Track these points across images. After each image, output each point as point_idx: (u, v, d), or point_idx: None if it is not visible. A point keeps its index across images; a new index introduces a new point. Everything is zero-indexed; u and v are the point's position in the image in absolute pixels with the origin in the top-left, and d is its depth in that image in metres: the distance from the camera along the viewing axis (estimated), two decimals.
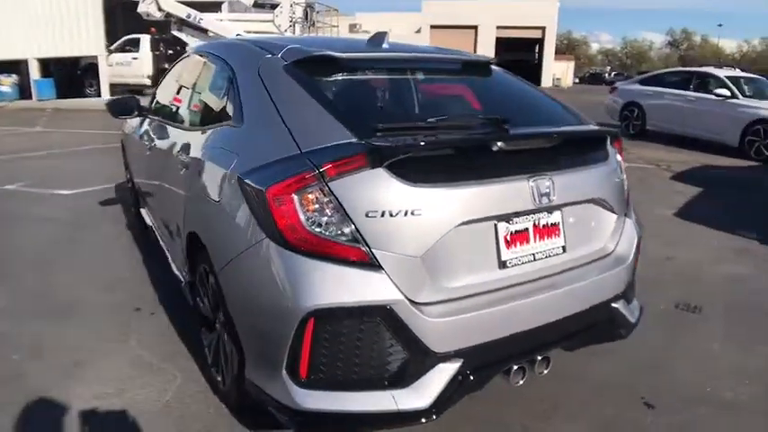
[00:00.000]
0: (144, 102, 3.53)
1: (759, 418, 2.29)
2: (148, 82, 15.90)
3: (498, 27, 38.73)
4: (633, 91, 10.78)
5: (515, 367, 1.85)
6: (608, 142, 2.21)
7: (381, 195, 1.60)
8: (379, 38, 2.33)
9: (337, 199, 1.59)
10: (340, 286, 1.58)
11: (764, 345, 2.87)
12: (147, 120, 3.48)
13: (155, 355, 2.58)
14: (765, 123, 8.18)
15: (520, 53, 39.78)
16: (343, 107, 1.86)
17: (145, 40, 15.96)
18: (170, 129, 2.79)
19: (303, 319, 1.57)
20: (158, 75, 15.64)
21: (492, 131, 1.85)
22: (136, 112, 3.59)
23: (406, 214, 1.61)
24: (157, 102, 3.37)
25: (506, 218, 1.82)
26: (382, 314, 1.59)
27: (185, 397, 2.27)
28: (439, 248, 1.67)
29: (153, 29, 15.77)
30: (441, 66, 2.40)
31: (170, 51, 15.87)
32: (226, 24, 14.97)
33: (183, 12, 14.52)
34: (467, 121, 1.88)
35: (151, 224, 3.56)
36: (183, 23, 14.82)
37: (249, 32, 14.45)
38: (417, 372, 1.65)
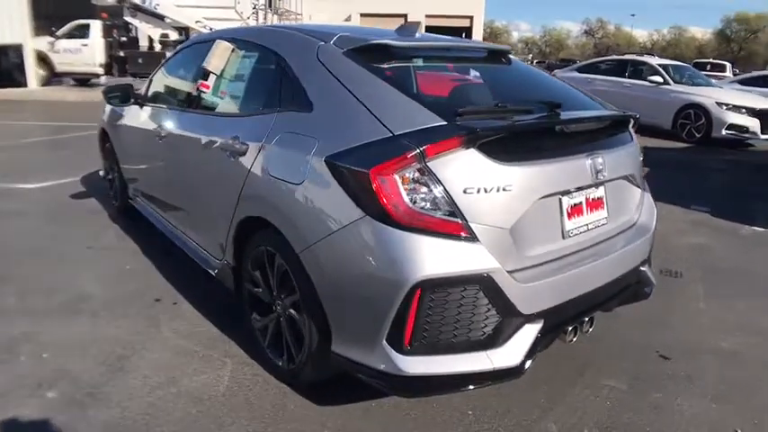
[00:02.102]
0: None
1: (755, 362, 2.65)
2: (100, 70, 14.76)
3: (427, 15, 39.19)
4: (572, 78, 11.43)
5: (571, 326, 2.05)
6: (631, 125, 2.44)
7: (476, 173, 1.74)
8: (411, 27, 2.43)
9: (436, 177, 1.70)
10: (443, 258, 1.69)
11: (738, 300, 3.28)
12: (149, 108, 3.37)
13: (195, 343, 2.56)
14: (696, 107, 8.99)
15: None
16: (417, 92, 1.96)
17: (95, 25, 14.72)
18: (196, 116, 2.75)
19: (410, 290, 1.67)
20: (111, 63, 14.60)
21: (550, 114, 2.02)
22: (132, 100, 3.48)
23: (498, 190, 1.75)
24: (166, 89, 3.27)
25: (568, 192, 2.00)
26: (482, 282, 1.73)
27: (244, 380, 2.29)
28: (522, 220, 1.83)
29: (104, 14, 14.69)
30: (476, 54, 2.53)
31: (123, 38, 14.84)
32: (184, 10, 14.22)
33: None
34: (528, 105, 2.04)
35: (155, 214, 3.46)
36: (138, 9, 13.94)
37: (209, 19, 13.92)
38: (508, 333, 1.81)
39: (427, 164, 1.70)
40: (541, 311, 1.87)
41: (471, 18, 40.52)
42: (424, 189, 1.71)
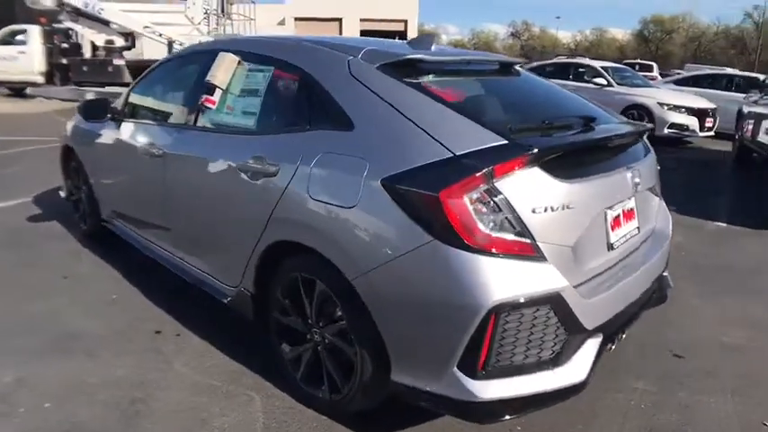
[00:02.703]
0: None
1: (760, 355, 2.80)
2: (40, 79, 13.61)
3: (362, 19, 39.40)
4: None
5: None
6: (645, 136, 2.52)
7: (541, 192, 1.72)
8: (426, 40, 2.38)
9: (505, 198, 1.67)
10: (516, 280, 1.66)
11: (726, 296, 3.48)
12: (131, 124, 3.13)
13: (213, 378, 2.39)
14: (639, 108, 9.48)
15: None
16: (463, 108, 1.91)
17: (34, 31, 13.51)
18: (199, 134, 2.56)
19: (486, 315, 1.62)
20: (53, 71, 13.53)
21: (587, 128, 2.04)
22: (109, 116, 3.24)
23: (562, 208, 1.75)
24: (153, 104, 3.04)
25: (611, 205, 2.01)
26: (552, 301, 1.71)
27: (279, 416, 2.15)
28: (581, 237, 1.82)
29: (43, 19, 13.55)
30: (492, 66, 2.51)
31: (64, 45, 13.75)
32: (131, 15, 13.36)
33: (79, 0, 12.67)
34: (569, 120, 2.05)
35: (140, 238, 3.21)
36: (79, 13, 12.96)
37: (158, 24, 13.18)
38: (574, 349, 1.81)
39: (495, 184, 1.66)
40: (600, 325, 1.88)
41: (405, 22, 41.08)
42: (494, 210, 1.67)
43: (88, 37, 13.60)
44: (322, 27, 36.78)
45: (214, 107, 2.49)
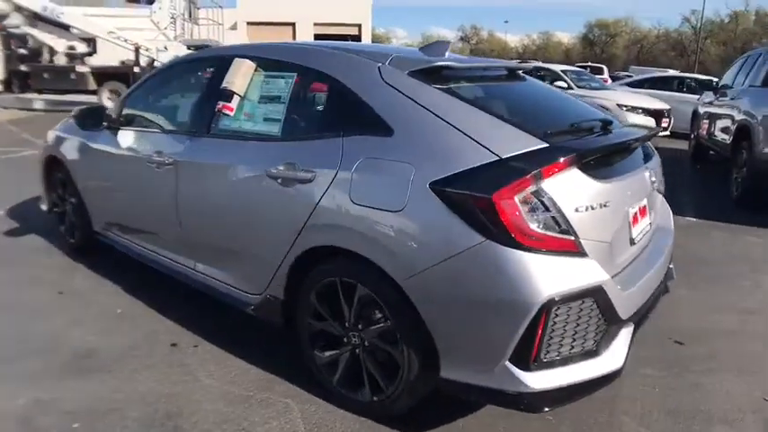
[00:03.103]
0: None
1: (754, 337, 3.01)
2: None
3: (316, 24, 39.30)
4: None
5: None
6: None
7: (582, 192, 1.83)
8: (441, 46, 2.45)
9: (551, 198, 1.76)
10: (564, 275, 1.75)
11: (710, 286, 3.73)
12: (131, 132, 3.05)
13: (243, 387, 2.37)
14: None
15: None
16: (498, 113, 1.99)
17: None
18: (216, 141, 2.53)
19: (540, 309, 1.70)
20: (11, 78, 12.93)
21: (606, 131, 2.16)
22: (105, 124, 3.16)
23: (600, 206, 1.86)
24: (157, 111, 2.98)
25: (633, 203, 2.14)
26: (596, 294, 1.81)
27: (320, 421, 2.16)
28: (615, 233, 1.93)
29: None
30: (502, 72, 2.60)
31: (22, 51, 13.08)
32: (93, 20, 12.77)
33: (37, 4, 12.05)
34: (591, 124, 2.17)
35: (142, 250, 3.13)
36: (38, 18, 12.34)
37: (123, 29, 12.67)
38: (611, 338, 1.92)
39: (542, 185, 1.75)
40: (631, 315, 1.99)
41: (360, 26, 41.26)
42: (542, 210, 1.75)
43: (47, 42, 12.99)
44: (275, 31, 36.40)
45: (232, 114, 2.47)
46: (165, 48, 13.25)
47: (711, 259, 4.33)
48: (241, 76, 2.44)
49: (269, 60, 2.49)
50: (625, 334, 1.98)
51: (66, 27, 12.81)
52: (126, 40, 12.85)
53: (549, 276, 1.73)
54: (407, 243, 1.86)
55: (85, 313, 3.02)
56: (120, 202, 3.23)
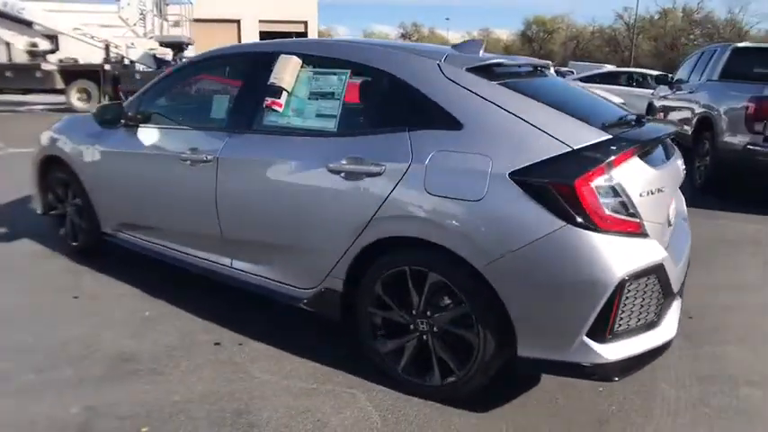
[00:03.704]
0: None
1: (750, 310, 3.31)
2: None
3: (261, 21, 38.59)
4: None
5: None
6: None
7: (643, 178, 1.99)
8: (475, 44, 2.55)
9: (621, 185, 1.90)
10: (634, 254, 1.89)
11: (701, 268, 3.88)
12: (155, 130, 2.97)
13: (303, 380, 2.38)
14: None
15: None
16: (557, 106, 2.11)
17: None
18: (265, 138, 2.52)
19: (617, 286, 1.84)
20: None
21: (641, 124, 2.33)
22: (123, 121, 3.07)
23: (657, 191, 2.03)
24: (186, 108, 2.91)
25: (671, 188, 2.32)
26: (658, 270, 1.96)
27: (390, 407, 2.21)
28: (664, 215, 2.10)
29: None
30: (539, 69, 2.72)
31: None
32: (56, 16, 12.07)
33: None
34: (629, 118, 2.33)
35: (166, 250, 3.06)
36: None
37: (89, 25, 11.95)
38: (666, 310, 2.09)
39: (613, 173, 1.89)
40: (679, 289, 2.16)
41: (306, 23, 40.86)
42: (613, 195, 1.89)
43: (7, 39, 12.14)
44: (221, 28, 35.48)
45: (281, 110, 2.46)
46: (133, 44, 12.76)
47: (694, 245, 4.65)
48: (289, 73, 2.44)
49: (319, 57, 2.50)
50: (675, 306, 2.16)
51: (28, 23, 12.08)
52: (93, 37, 12.28)
53: (622, 256, 1.87)
54: (488, 230, 1.94)
55: (110, 317, 2.92)
56: (140, 201, 3.13)
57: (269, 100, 2.47)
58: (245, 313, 2.96)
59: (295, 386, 2.34)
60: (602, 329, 1.90)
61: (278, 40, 2.80)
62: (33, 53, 12.42)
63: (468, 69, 2.21)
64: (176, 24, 15.31)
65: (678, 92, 7.33)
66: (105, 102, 12.94)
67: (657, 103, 8.39)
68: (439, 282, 2.10)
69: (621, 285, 1.86)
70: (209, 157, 2.64)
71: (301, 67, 2.49)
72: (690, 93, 6.71)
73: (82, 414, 2.14)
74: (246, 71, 2.71)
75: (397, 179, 2.10)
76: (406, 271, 2.16)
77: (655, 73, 12.29)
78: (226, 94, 2.81)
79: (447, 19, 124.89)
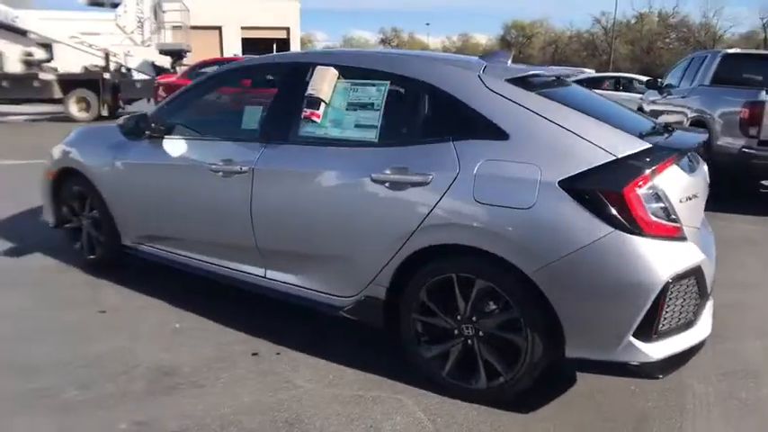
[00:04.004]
0: None
1: (756, 307, 3.44)
2: None
3: (243, 27, 38.44)
4: None
5: None
6: None
7: (681, 184, 2.09)
8: (504, 54, 2.63)
9: (663, 191, 1.99)
10: (676, 257, 1.99)
11: None
12: (183, 141, 2.97)
13: (348, 388, 2.41)
14: None
15: (267, 53, 40.23)
16: (596, 116, 2.19)
17: None
18: (302, 148, 2.55)
19: (663, 288, 1.92)
20: None
21: (670, 133, 2.42)
22: (148, 133, 3.08)
23: (693, 197, 2.14)
24: (213, 119, 2.92)
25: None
26: (697, 272, 2.06)
27: (438, 411, 2.25)
28: (700, 219, 2.21)
29: None
30: (559, 79, 2.80)
31: None
32: (53, 24, 11.90)
33: None
34: (660, 127, 2.42)
35: (193, 261, 3.07)
36: None
37: (86, 34, 11.75)
38: (702, 309, 2.18)
39: (656, 181, 1.98)
40: (710, 290, 2.25)
41: (288, 29, 40.81)
42: (656, 201, 1.98)
43: (0, 49, 11.89)
44: (202, 35, 35.16)
45: (319, 121, 2.50)
46: (130, 52, 12.64)
47: None
48: (327, 84, 2.48)
49: (357, 68, 2.54)
50: (709, 306, 2.26)
51: (22, 32, 11.87)
52: (91, 45, 12.11)
53: (666, 260, 1.96)
54: (538, 237, 2.01)
55: (140, 330, 2.91)
56: (165, 213, 3.13)
57: (307, 111, 2.50)
58: (279, 323, 2.97)
59: (341, 394, 2.37)
60: (648, 330, 1.98)
61: (313, 51, 2.86)
62: (28, 62, 12.21)
63: (507, 80, 2.28)
64: (177, 28, 15.23)
65: (669, 96, 7.53)
66: (105, 111, 12.80)
67: (647, 108, 8.59)
68: (486, 288, 2.15)
69: (666, 287, 1.94)
70: (243, 168, 2.66)
71: (338, 78, 2.53)
72: (682, 98, 6.89)
73: (132, 429, 2.14)
74: (280, 82, 2.74)
75: (444, 188, 2.15)
76: (453, 278, 2.21)
77: (642, 78, 12.55)
78: (257, 105, 2.83)
79: (427, 24, 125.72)
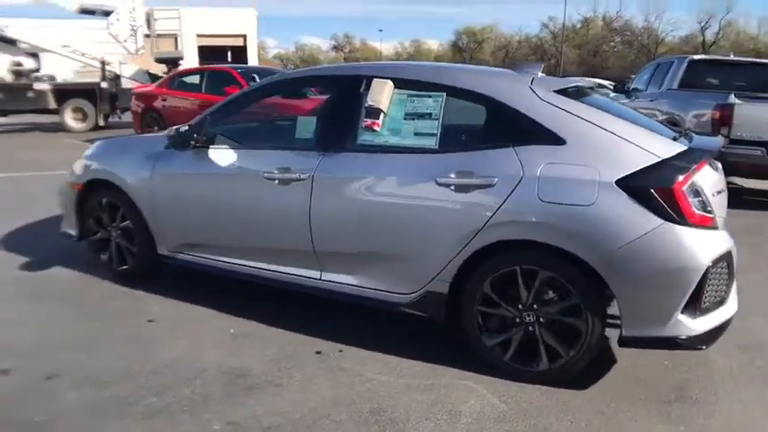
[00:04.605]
0: None
1: (755, 290, 3.84)
2: None
3: (198, 35, 37.75)
4: None
5: None
6: None
7: (712, 181, 2.40)
8: (536, 66, 2.89)
9: (701, 186, 2.29)
10: (713, 244, 2.30)
11: None
12: (232, 151, 3.08)
13: (418, 379, 2.58)
14: None
15: (224, 61, 39.68)
16: (633, 122, 2.47)
17: None
18: (363, 156, 2.73)
19: (706, 270, 2.23)
20: None
21: (690, 135, 2.74)
22: (192, 143, 3.17)
23: (721, 192, 2.47)
24: (264, 130, 3.05)
25: None
26: (728, 256, 2.37)
27: (507, 393, 2.46)
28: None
29: None
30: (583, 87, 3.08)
31: None
32: (43, 33, 11.40)
33: None
34: (681, 132, 2.73)
35: (238, 267, 3.18)
36: None
37: (77, 43, 11.29)
38: (730, 289, 2.48)
39: (695, 178, 2.28)
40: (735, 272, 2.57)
41: (245, 37, 40.34)
42: (695, 196, 2.28)
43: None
44: (158, 43, 34.42)
45: (379, 129, 2.67)
46: (123, 62, 12.35)
47: None
48: (385, 96, 2.66)
49: (412, 81, 2.74)
50: (734, 286, 2.56)
51: (11, 41, 11.40)
52: (84, 54, 11.75)
53: (707, 246, 2.26)
54: (599, 230, 2.26)
55: (197, 337, 2.98)
56: (213, 220, 3.22)
57: (368, 121, 2.67)
58: (332, 322, 3.11)
59: (413, 383, 2.54)
60: (693, 307, 2.28)
61: (367, 64, 3.03)
62: (18, 72, 11.75)
63: (555, 91, 2.54)
64: (169, 36, 15.03)
65: (636, 100, 8.05)
66: (101, 121, 12.46)
67: None
68: (548, 278, 2.39)
69: (708, 270, 2.24)
70: (302, 176, 2.80)
71: (409, 91, 2.72)
72: (650, 101, 7.40)
73: (226, 429, 2.24)
74: (334, 93, 2.90)
75: (509, 190, 2.38)
76: (517, 270, 2.43)
77: (607, 83, 13.20)
78: (310, 116, 2.98)
79: (380, 30, 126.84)
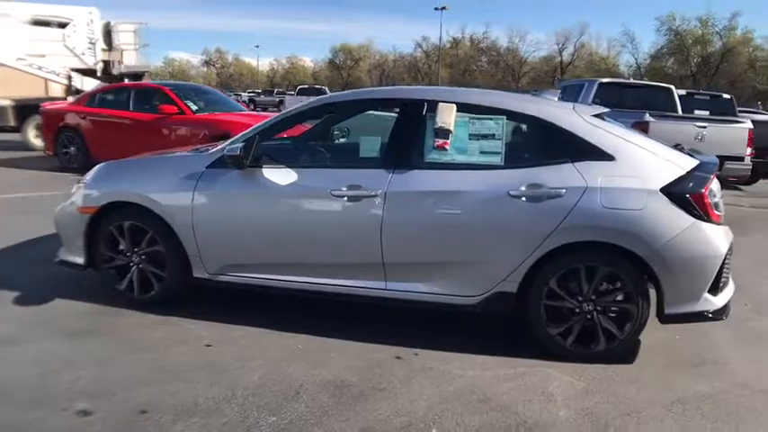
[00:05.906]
0: None
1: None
2: None
3: None
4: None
5: None
6: None
7: (717, 187, 3.04)
8: (554, 93, 3.45)
9: (714, 191, 2.93)
10: (725, 236, 2.95)
11: None
12: (291, 171, 3.18)
13: (501, 368, 2.92)
14: None
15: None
16: (654, 140, 3.07)
17: None
18: (434, 173, 3.03)
19: (724, 257, 2.87)
20: None
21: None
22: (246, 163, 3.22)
23: (722, 196, 3.10)
24: (329, 151, 3.20)
25: None
26: (732, 247, 3.02)
27: (578, 372, 2.89)
28: None
29: None
30: None
31: None
32: None
33: None
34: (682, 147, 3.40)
35: (293, 282, 3.29)
36: None
37: (33, 56, 9.81)
38: (729, 273, 3.15)
39: (711, 184, 2.91)
40: None
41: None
42: (712, 198, 2.91)
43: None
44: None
45: (447, 149, 2.99)
46: (79, 75, 11.23)
47: None
48: (452, 118, 2.99)
49: (475, 106, 3.12)
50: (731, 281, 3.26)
51: None
52: (41, 68, 10.80)
53: (723, 237, 2.92)
54: (649, 229, 2.80)
55: (268, 356, 3.00)
56: (266, 240, 3.28)
57: (439, 141, 2.99)
58: (387, 329, 3.33)
59: (499, 374, 2.87)
60: (715, 287, 2.92)
61: (426, 88, 3.31)
62: None
63: (595, 116, 3.07)
64: (136, 48, 13.66)
65: None
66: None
67: None
68: (606, 272, 2.90)
69: (725, 257, 2.89)
70: (374, 193, 3.02)
71: (477, 116, 3.09)
72: None
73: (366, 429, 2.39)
74: (400, 115, 3.17)
75: (576, 199, 2.84)
76: (581, 267, 2.89)
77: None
78: (375, 136, 3.19)
79: (257, 46, 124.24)
